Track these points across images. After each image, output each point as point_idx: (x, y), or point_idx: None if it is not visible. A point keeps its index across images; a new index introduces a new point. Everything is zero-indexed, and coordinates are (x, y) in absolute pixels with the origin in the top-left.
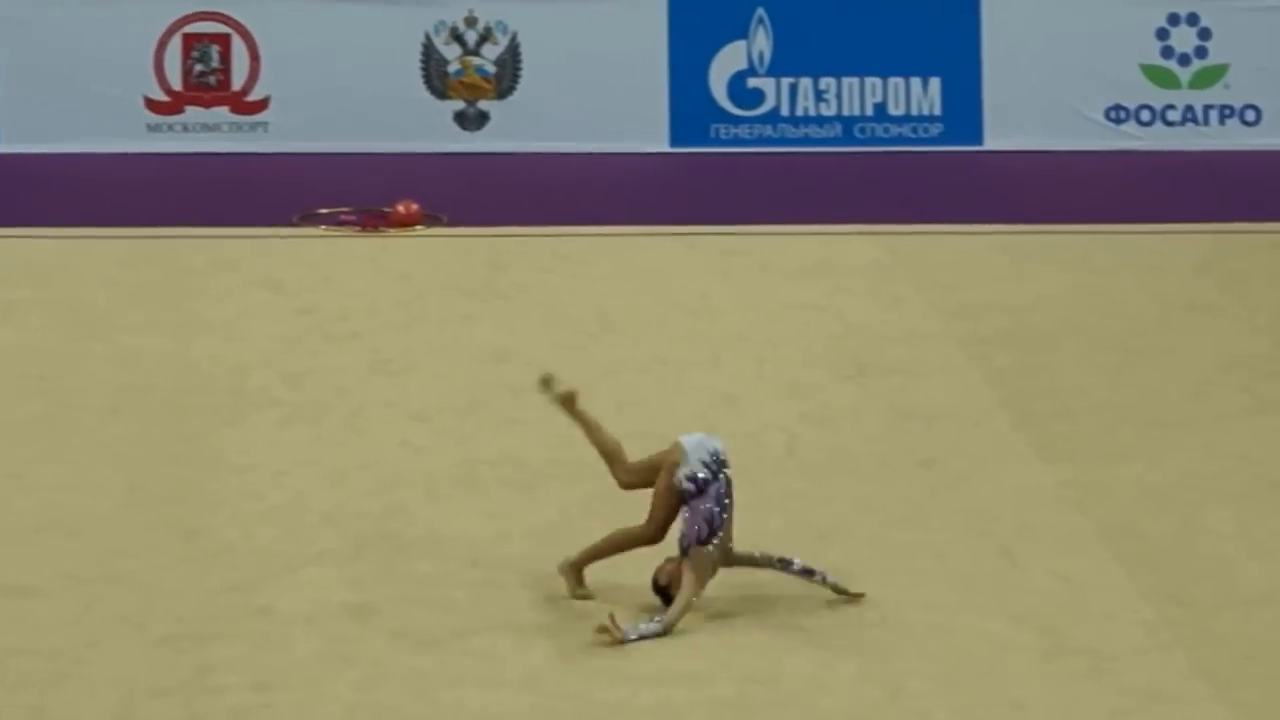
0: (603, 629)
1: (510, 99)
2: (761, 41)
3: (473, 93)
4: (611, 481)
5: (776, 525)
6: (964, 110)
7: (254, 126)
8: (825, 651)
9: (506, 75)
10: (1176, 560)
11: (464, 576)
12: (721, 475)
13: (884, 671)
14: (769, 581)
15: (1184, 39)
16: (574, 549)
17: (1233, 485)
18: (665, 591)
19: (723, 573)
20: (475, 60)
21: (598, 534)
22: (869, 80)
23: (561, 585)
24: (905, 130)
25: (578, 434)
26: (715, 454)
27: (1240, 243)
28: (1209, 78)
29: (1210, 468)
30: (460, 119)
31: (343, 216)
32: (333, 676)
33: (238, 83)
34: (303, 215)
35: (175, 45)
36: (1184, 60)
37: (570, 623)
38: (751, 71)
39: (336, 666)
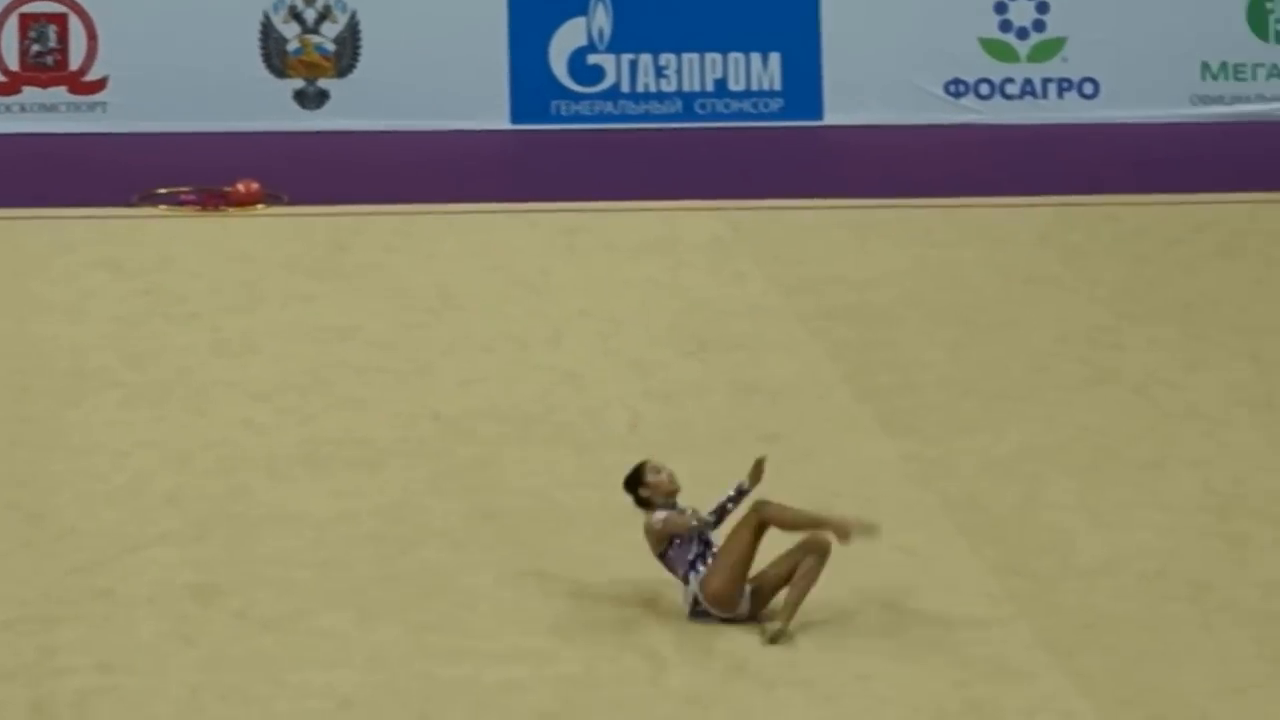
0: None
1: (350, 77)
2: (601, 18)
3: (312, 71)
4: (463, 458)
5: (620, 500)
6: (804, 85)
7: (92, 106)
8: (668, 627)
9: (346, 53)
10: (1019, 532)
11: (308, 556)
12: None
13: (730, 645)
14: (615, 556)
15: (1022, 12)
16: (420, 527)
17: (1073, 457)
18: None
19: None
20: (314, 39)
21: (442, 512)
22: (709, 56)
23: (407, 564)
24: (746, 106)
25: (422, 412)
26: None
27: (1079, 215)
28: (1047, 51)
29: (1051, 439)
30: (300, 97)
31: (183, 196)
32: (177, 657)
33: (75, 63)
34: (142, 195)
35: (12, 25)
36: (1022, 34)
37: (415, 601)
38: (591, 48)
39: (180, 647)
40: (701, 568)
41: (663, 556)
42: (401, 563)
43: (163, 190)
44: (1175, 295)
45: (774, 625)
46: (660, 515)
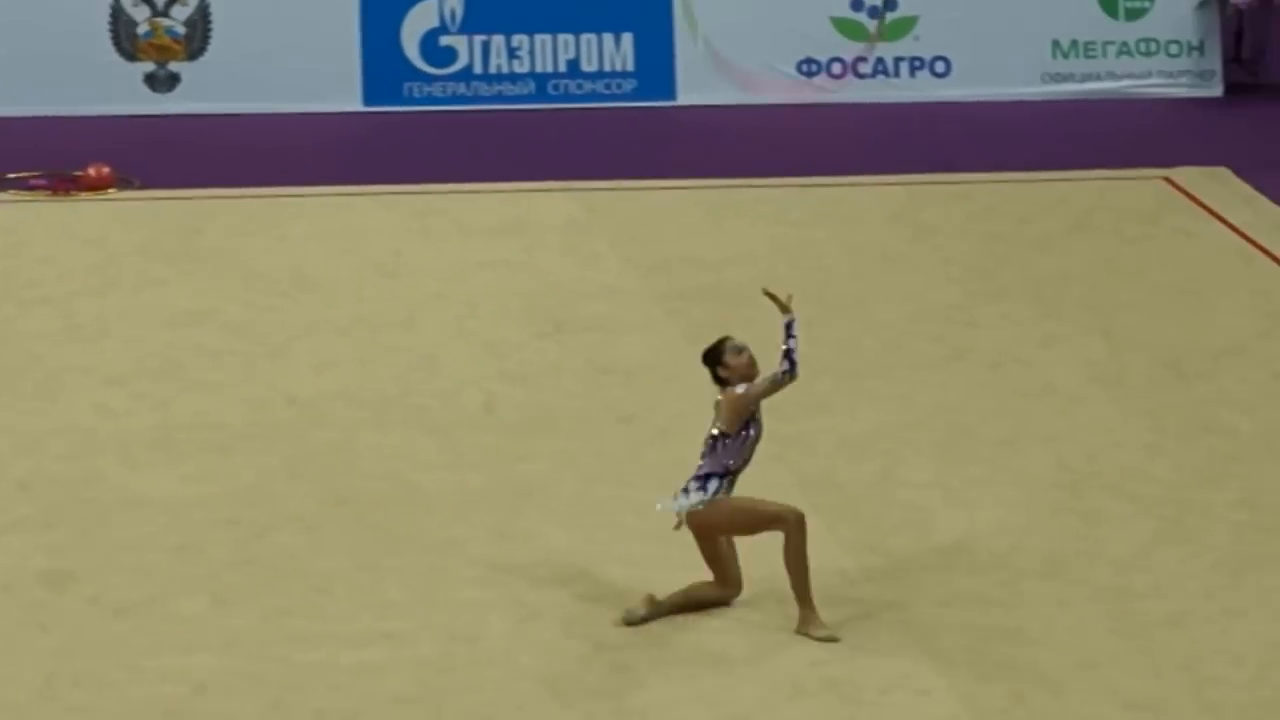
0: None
1: (201, 60)
2: (453, 0)
3: (163, 54)
4: (318, 442)
5: (478, 482)
6: (657, 66)
7: None
8: (525, 609)
9: (197, 36)
10: (875, 510)
11: (162, 541)
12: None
13: (586, 628)
14: (472, 538)
15: None
16: (274, 511)
17: (929, 434)
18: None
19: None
20: (165, 22)
21: (297, 497)
22: (561, 37)
23: (262, 548)
24: (599, 87)
25: (277, 396)
26: None
27: (932, 193)
28: (899, 30)
29: (906, 418)
30: (151, 81)
31: (32, 181)
32: (31, 644)
33: None
34: None
35: None
36: (874, 13)
37: (271, 585)
38: (443, 30)
39: (34, 634)
40: (716, 486)
41: (722, 439)
42: (256, 547)
43: (12, 175)
44: (1027, 273)
45: (806, 622)
46: (740, 386)
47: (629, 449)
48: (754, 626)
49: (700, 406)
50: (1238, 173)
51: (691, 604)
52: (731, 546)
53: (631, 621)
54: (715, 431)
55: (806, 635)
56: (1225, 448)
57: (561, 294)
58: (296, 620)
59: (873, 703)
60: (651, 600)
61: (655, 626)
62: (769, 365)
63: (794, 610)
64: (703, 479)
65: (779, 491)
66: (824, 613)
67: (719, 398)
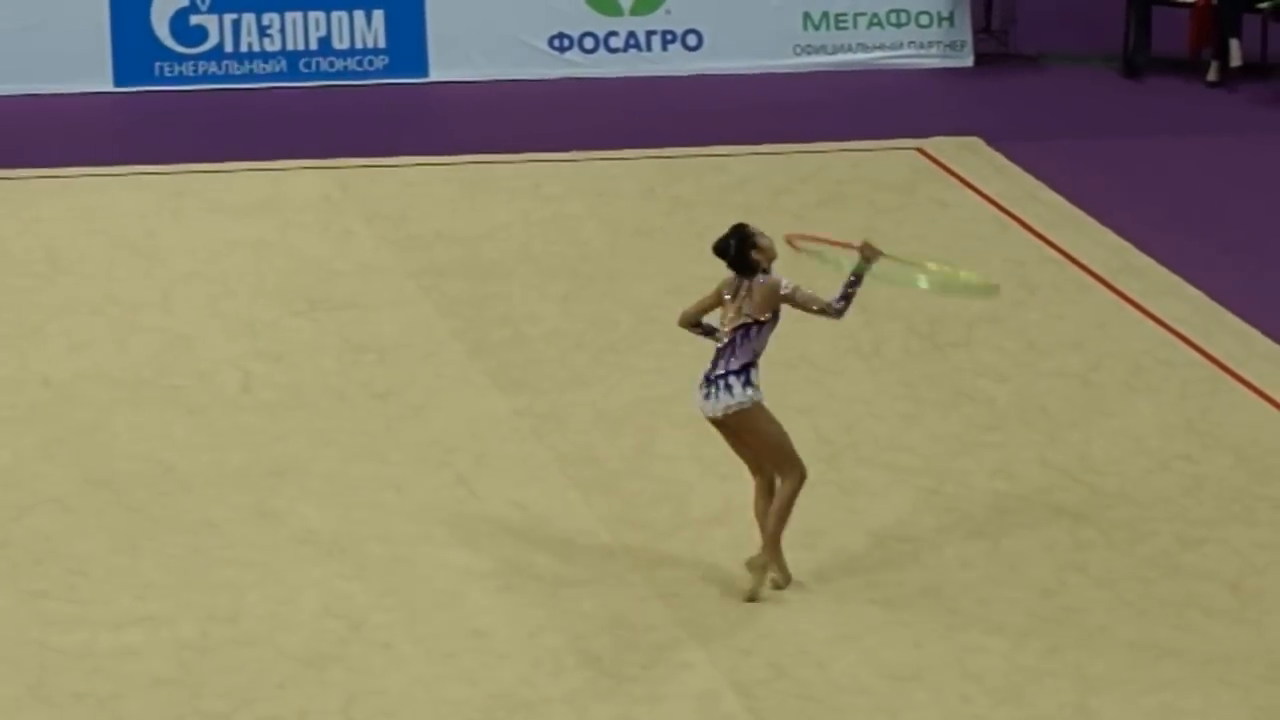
0: None
1: None
2: None
3: None
4: (74, 423)
5: (236, 462)
6: (408, 42)
7: None
8: (285, 588)
9: None
10: (631, 485)
11: None
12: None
13: (346, 606)
14: (230, 518)
15: None
16: (30, 493)
17: (684, 409)
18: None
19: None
20: None
21: (53, 478)
22: (312, 14)
23: (18, 530)
24: (350, 64)
25: (31, 377)
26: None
27: (685, 167)
28: (650, 4)
29: (662, 391)
30: None
31: None
32: None
33: None
34: None
35: None
36: None
37: (26, 568)
38: (194, 9)
39: None
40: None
41: (756, 325)
42: (12, 529)
43: None
44: (781, 245)
45: (768, 574)
46: (784, 282)
47: (385, 426)
48: (512, 605)
49: (455, 383)
50: (990, 142)
51: (775, 520)
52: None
53: (779, 586)
54: (746, 320)
55: (762, 573)
56: (981, 417)
57: (316, 272)
58: (54, 603)
59: (634, 678)
60: (756, 565)
61: (411, 605)
62: (531, 340)
63: (553, 590)
64: (740, 372)
65: (535, 467)
66: (583, 586)
67: (739, 287)
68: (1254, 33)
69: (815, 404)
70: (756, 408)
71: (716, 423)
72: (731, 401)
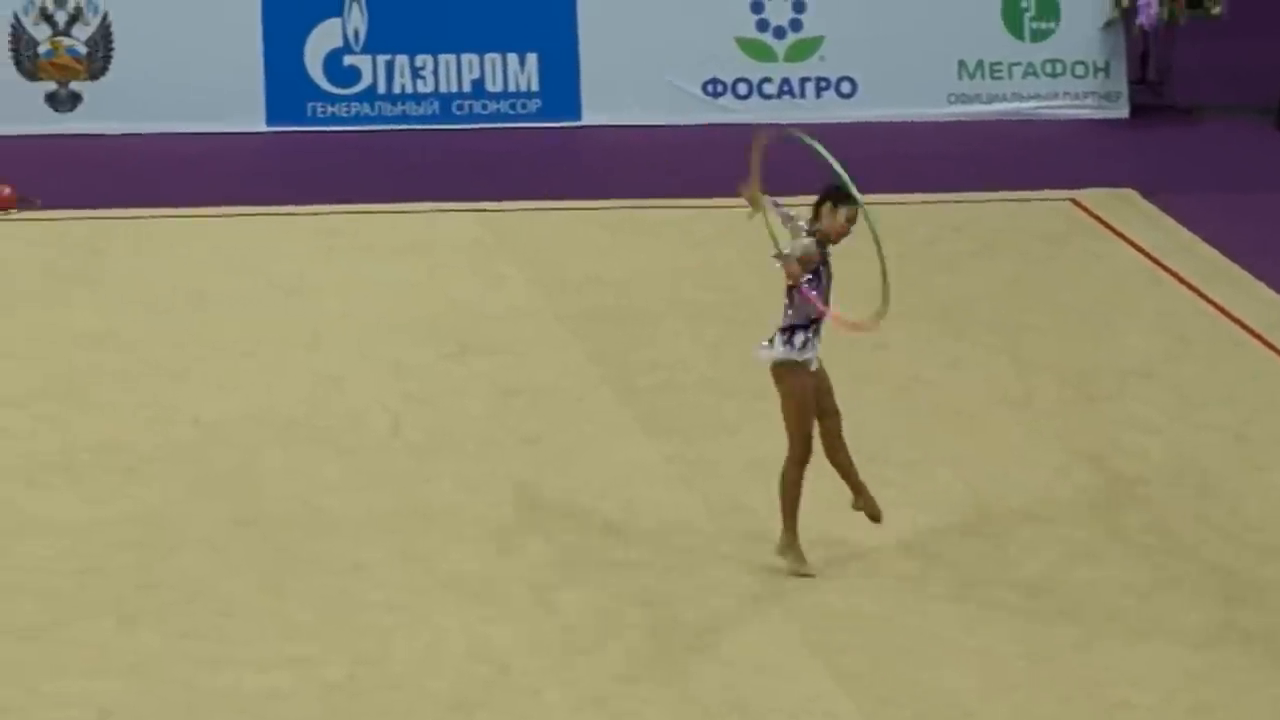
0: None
1: (103, 79)
2: (356, 19)
3: (64, 73)
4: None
5: (384, 504)
6: (561, 86)
7: None
8: (432, 631)
9: (98, 56)
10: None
11: (65, 564)
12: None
13: (493, 650)
14: (378, 561)
15: (779, 12)
16: (179, 534)
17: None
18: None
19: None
20: (66, 41)
21: (202, 519)
22: (466, 57)
23: (167, 571)
24: (503, 107)
25: (181, 417)
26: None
27: None
28: (804, 50)
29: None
30: (52, 100)
31: None
32: None
33: None
34: None
35: None
36: (779, 33)
37: (175, 608)
38: (347, 49)
39: None
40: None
41: (789, 291)
42: (161, 569)
43: None
44: (934, 294)
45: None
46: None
47: (534, 470)
48: (659, 650)
49: (605, 429)
50: (1144, 194)
51: (781, 502)
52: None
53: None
54: (789, 282)
55: (784, 560)
56: (1133, 470)
57: (466, 315)
58: (201, 644)
59: None
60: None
61: (554, 652)
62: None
63: (700, 637)
64: (787, 331)
65: (685, 514)
66: (729, 632)
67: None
68: None
69: (965, 454)
70: (785, 369)
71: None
72: (768, 355)
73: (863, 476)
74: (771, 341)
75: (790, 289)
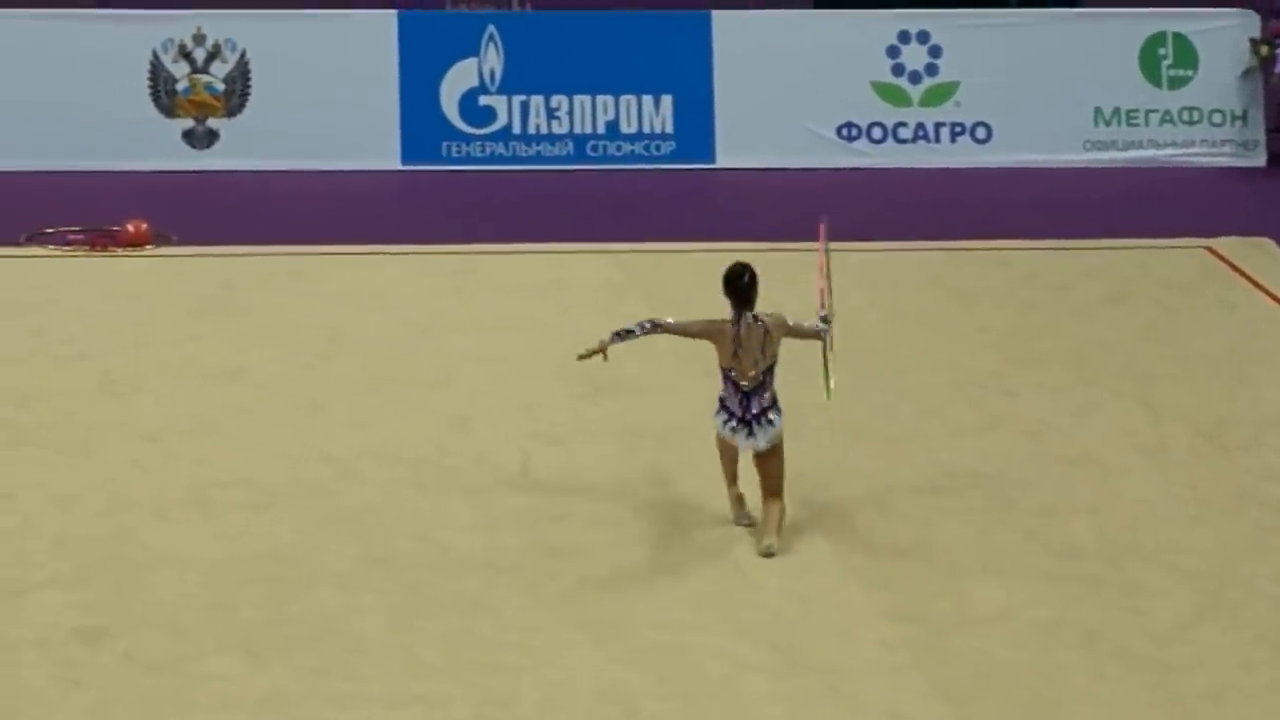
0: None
1: (240, 117)
2: (493, 59)
3: (202, 110)
4: (354, 501)
5: (513, 544)
6: (696, 128)
7: None
8: (560, 672)
9: (236, 93)
10: (912, 578)
11: (196, 599)
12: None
13: (621, 692)
14: (505, 600)
15: (915, 56)
16: (310, 570)
17: (965, 502)
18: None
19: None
20: (204, 78)
21: (332, 556)
22: (601, 98)
23: (297, 607)
24: (637, 148)
25: (312, 454)
26: None
27: (970, 259)
28: (940, 95)
29: (942, 484)
30: (189, 137)
31: (70, 236)
32: (64, 701)
33: None
34: (30, 235)
35: None
36: (915, 78)
37: (305, 644)
38: (483, 89)
39: (67, 691)
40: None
41: (770, 368)
42: (291, 606)
43: (50, 230)
44: (1067, 341)
45: (767, 541)
46: (786, 313)
47: (663, 512)
48: (789, 694)
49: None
50: None
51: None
52: None
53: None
54: (772, 361)
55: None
56: (1268, 520)
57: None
58: (330, 680)
59: None
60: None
61: (687, 691)
62: (811, 429)
63: (831, 683)
64: (773, 404)
65: (814, 557)
66: (860, 679)
67: (739, 328)
68: None
69: (1099, 503)
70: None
71: (758, 454)
72: (775, 431)
73: (994, 521)
74: (759, 425)
75: (768, 369)
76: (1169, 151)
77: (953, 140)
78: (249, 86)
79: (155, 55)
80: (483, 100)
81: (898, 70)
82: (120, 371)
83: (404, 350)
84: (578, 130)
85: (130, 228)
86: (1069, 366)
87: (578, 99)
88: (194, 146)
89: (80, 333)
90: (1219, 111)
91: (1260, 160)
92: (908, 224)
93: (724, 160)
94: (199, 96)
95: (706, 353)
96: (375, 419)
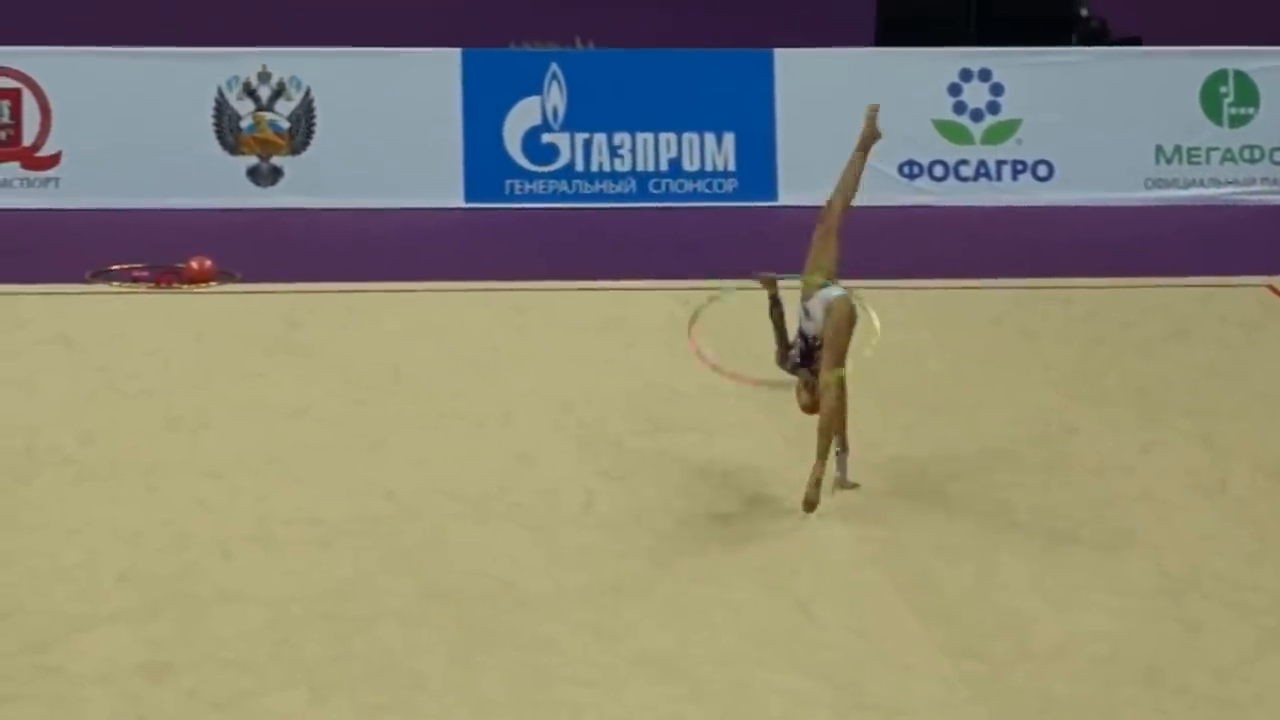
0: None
1: (304, 154)
2: (556, 97)
3: (266, 148)
4: (416, 537)
5: (575, 580)
6: (758, 166)
7: (45, 182)
8: (622, 708)
9: (300, 130)
10: (972, 615)
11: (259, 635)
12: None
13: None
14: (569, 638)
15: (976, 94)
16: (372, 606)
17: (1027, 539)
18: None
19: (527, 630)
20: (268, 116)
21: (394, 592)
22: (663, 136)
23: (359, 644)
24: (700, 186)
25: (374, 490)
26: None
27: (1032, 297)
28: (1001, 133)
29: (1004, 521)
30: (254, 174)
31: (135, 273)
32: None
33: (28, 138)
34: (95, 272)
35: None
36: (976, 116)
37: (367, 681)
38: (546, 127)
39: None
40: None
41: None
42: (353, 643)
43: (116, 267)
44: (1129, 378)
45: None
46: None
47: (726, 550)
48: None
49: (796, 508)
50: None
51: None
52: None
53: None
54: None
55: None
56: None
57: (660, 393)
58: (393, 717)
59: None
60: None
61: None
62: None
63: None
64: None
65: (874, 594)
66: (922, 716)
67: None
68: None
69: (1160, 540)
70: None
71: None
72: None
73: (1055, 558)
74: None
75: None
76: (1230, 189)
77: (1014, 178)
78: (313, 124)
79: (220, 92)
80: (546, 138)
81: (959, 108)
82: (184, 408)
83: (466, 387)
84: (640, 168)
85: (195, 265)
86: (1131, 404)
87: (640, 136)
88: (258, 184)
89: (145, 369)
90: None
91: None
92: (969, 262)
93: (786, 198)
94: (263, 134)
95: (768, 391)
96: (437, 455)
